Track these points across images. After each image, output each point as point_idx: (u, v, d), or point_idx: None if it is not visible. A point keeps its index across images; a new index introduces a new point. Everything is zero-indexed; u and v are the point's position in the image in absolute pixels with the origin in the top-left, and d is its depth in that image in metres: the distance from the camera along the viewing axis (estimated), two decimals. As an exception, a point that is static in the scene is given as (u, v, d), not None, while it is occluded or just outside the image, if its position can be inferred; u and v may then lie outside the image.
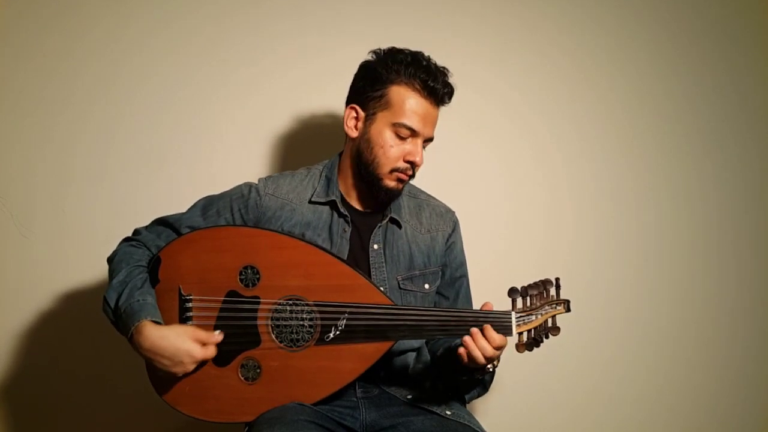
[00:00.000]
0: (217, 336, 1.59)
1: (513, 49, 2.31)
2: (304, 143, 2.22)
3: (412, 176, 1.71)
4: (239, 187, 1.77)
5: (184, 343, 1.55)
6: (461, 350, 1.49)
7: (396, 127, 1.64)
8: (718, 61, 2.37)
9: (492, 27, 2.30)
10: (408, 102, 1.63)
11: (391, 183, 1.68)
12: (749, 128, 2.38)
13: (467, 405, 1.74)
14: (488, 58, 2.29)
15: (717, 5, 2.37)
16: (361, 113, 1.69)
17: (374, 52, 1.71)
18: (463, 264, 1.86)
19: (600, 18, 2.33)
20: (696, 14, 2.36)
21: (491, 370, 1.57)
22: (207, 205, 1.75)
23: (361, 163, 1.68)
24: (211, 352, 1.58)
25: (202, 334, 1.57)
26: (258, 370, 1.59)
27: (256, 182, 1.77)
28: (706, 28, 2.37)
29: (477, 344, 1.47)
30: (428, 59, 1.67)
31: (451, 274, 1.82)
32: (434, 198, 1.88)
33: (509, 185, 2.31)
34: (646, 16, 2.35)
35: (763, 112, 2.38)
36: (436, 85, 1.63)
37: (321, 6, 2.25)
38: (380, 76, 1.65)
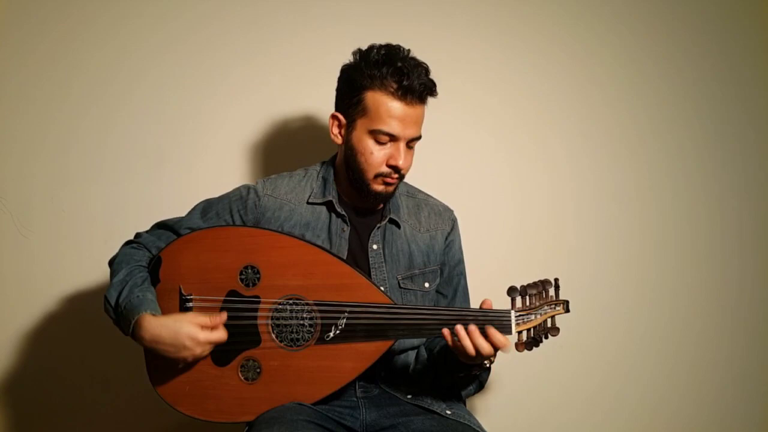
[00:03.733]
0: (221, 316, 1.58)
1: (516, 48, 2.31)
2: (301, 144, 2.22)
3: (401, 178, 1.69)
4: (238, 189, 1.77)
5: (183, 327, 1.54)
6: (445, 332, 1.49)
7: (374, 133, 1.61)
8: (720, 59, 2.36)
9: (495, 24, 2.30)
10: (384, 107, 1.59)
11: (378, 187, 1.67)
12: (752, 128, 2.37)
13: (470, 402, 1.75)
14: (490, 55, 2.29)
15: (719, 4, 2.37)
16: (343, 120, 1.67)
17: (354, 52, 1.68)
18: (461, 262, 1.86)
19: (603, 16, 2.33)
20: (698, 12, 2.36)
21: (488, 366, 1.58)
22: (206, 207, 1.75)
23: (349, 169, 1.68)
24: (218, 334, 1.57)
25: (203, 318, 1.57)
26: (258, 370, 1.59)
27: (255, 184, 1.77)
28: (708, 26, 2.36)
29: (474, 342, 1.46)
30: (403, 57, 1.61)
31: (450, 272, 1.82)
32: (432, 197, 1.87)
33: (511, 184, 2.31)
34: (649, 14, 2.35)
35: (765, 111, 2.38)
36: (411, 84, 1.58)
37: (316, 6, 2.25)
38: (355, 81, 1.62)
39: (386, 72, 1.59)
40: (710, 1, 2.36)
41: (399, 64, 1.59)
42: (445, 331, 1.49)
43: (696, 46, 2.35)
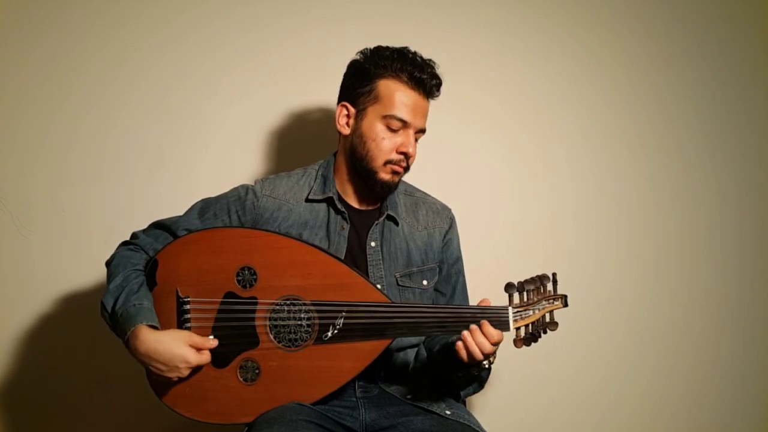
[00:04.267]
0: (212, 341, 1.59)
1: (516, 48, 2.31)
2: (300, 143, 2.22)
3: (407, 168, 1.71)
4: (236, 189, 1.77)
5: (179, 348, 1.56)
6: (459, 345, 1.49)
7: (387, 119, 1.65)
8: (720, 59, 2.36)
9: (494, 24, 2.30)
10: (397, 94, 1.65)
11: (386, 176, 1.68)
12: (751, 128, 2.37)
13: (464, 402, 1.75)
14: (490, 55, 2.29)
15: (719, 4, 2.37)
16: (352, 110, 1.70)
17: (361, 51, 1.73)
18: (459, 260, 1.86)
19: (603, 16, 2.33)
20: (698, 12, 2.36)
21: (487, 366, 1.58)
22: (204, 207, 1.75)
23: (356, 158, 1.69)
24: (205, 357, 1.58)
25: (198, 339, 1.58)
26: (257, 371, 1.59)
27: (253, 184, 1.77)
28: (708, 26, 2.36)
29: (475, 340, 1.47)
30: (414, 53, 1.69)
31: (448, 271, 1.83)
32: (430, 195, 1.88)
33: (511, 184, 2.31)
34: (650, 14, 2.35)
35: (765, 111, 2.38)
36: (423, 76, 1.65)
37: (319, 5, 2.24)
38: (368, 72, 1.67)
39: (400, 64, 1.65)
40: (710, 1, 2.35)
41: (411, 57, 1.67)
42: (459, 346, 1.49)
43: (696, 46, 2.35)
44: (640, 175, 2.34)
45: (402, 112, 1.65)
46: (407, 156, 1.68)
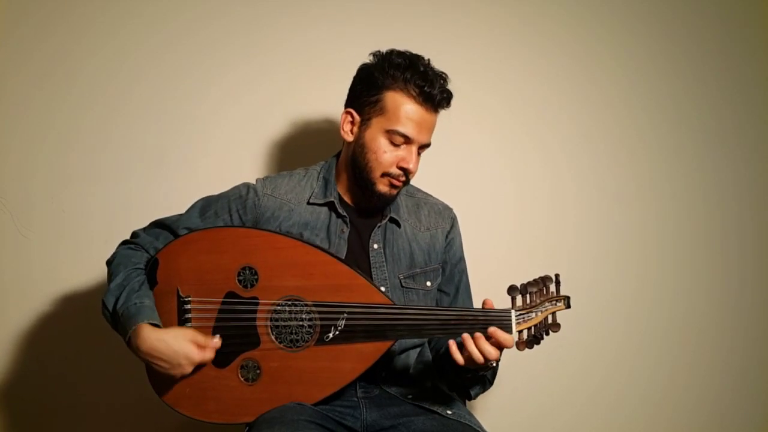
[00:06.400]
0: (216, 341, 1.59)
1: (517, 48, 2.31)
2: (301, 144, 2.22)
3: (406, 182, 1.70)
4: (237, 187, 1.77)
5: (181, 346, 1.55)
6: (453, 348, 1.50)
7: (390, 133, 1.63)
8: (720, 59, 2.36)
9: (496, 25, 2.30)
10: (403, 108, 1.61)
11: (383, 188, 1.67)
12: (751, 128, 2.37)
13: (470, 402, 1.74)
14: (492, 57, 2.29)
15: (719, 4, 2.37)
16: (357, 118, 1.68)
17: (374, 54, 1.69)
18: (462, 259, 1.86)
19: (603, 16, 2.33)
20: (698, 12, 2.36)
21: (494, 365, 1.57)
22: (205, 206, 1.75)
23: (356, 167, 1.68)
24: (209, 355, 1.58)
25: (200, 337, 1.58)
26: (258, 371, 1.59)
27: (254, 182, 1.77)
28: (708, 26, 2.36)
29: (479, 347, 1.46)
30: (426, 64, 1.64)
31: (451, 270, 1.82)
32: (432, 196, 1.88)
33: (511, 184, 2.31)
34: (650, 14, 2.34)
35: (765, 111, 2.38)
36: (432, 91, 1.61)
37: (319, 5, 2.24)
38: (376, 80, 1.64)
39: (410, 76, 1.61)
40: (710, 1, 2.35)
41: (422, 69, 1.62)
42: (452, 345, 1.49)
43: (696, 46, 2.35)
44: (640, 175, 2.34)
45: (406, 128, 1.62)
46: (407, 172, 1.66)
